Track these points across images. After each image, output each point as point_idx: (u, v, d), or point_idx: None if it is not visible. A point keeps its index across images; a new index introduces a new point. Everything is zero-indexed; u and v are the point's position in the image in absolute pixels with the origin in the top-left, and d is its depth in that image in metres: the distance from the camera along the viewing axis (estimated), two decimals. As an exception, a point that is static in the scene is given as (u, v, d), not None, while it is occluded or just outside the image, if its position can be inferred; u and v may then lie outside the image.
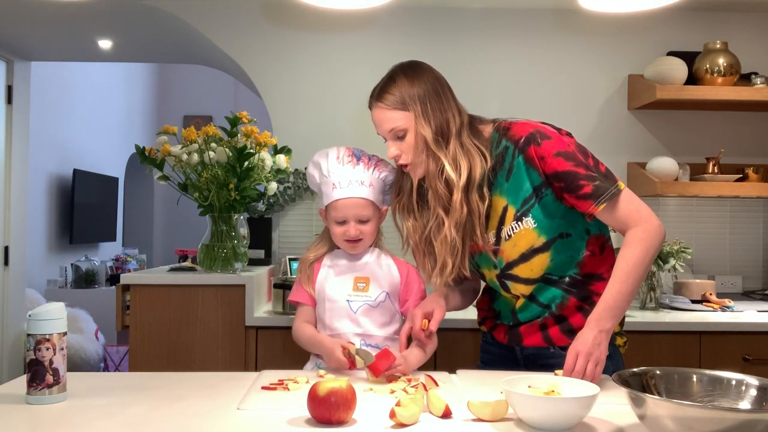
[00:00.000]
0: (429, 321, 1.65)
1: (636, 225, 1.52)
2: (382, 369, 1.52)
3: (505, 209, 1.59)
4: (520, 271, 1.61)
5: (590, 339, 1.46)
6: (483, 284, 1.83)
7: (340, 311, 1.71)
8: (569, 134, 1.60)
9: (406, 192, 1.70)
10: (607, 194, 1.51)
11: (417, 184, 1.66)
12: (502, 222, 1.60)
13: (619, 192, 1.52)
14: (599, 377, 1.46)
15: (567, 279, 1.61)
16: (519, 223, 1.57)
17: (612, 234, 1.70)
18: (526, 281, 1.61)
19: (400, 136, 1.60)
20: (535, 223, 1.56)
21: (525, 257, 1.59)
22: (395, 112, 1.59)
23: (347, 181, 1.70)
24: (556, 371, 1.47)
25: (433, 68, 1.66)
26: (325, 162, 1.74)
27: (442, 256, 1.60)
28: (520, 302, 1.65)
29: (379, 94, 1.62)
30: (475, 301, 1.85)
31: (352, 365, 1.57)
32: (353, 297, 1.71)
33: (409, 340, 1.75)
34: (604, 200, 1.50)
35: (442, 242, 1.59)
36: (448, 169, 1.56)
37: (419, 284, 1.78)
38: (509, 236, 1.59)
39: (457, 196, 1.56)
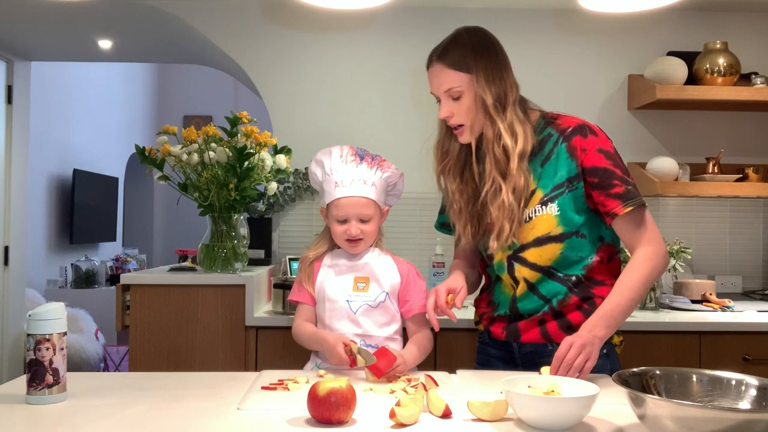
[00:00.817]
0: (453, 296, 1.64)
1: (648, 244, 1.57)
2: (384, 370, 1.52)
3: (533, 192, 1.63)
4: (530, 254, 1.63)
5: (585, 335, 1.48)
6: (482, 282, 1.83)
7: (339, 311, 1.71)
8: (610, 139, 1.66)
9: (453, 155, 1.70)
10: (635, 200, 1.56)
11: (466, 148, 1.68)
12: (526, 204, 1.62)
13: (644, 206, 1.59)
14: (586, 374, 1.46)
15: (573, 278, 1.63)
16: (543, 207, 1.60)
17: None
18: (532, 266, 1.63)
19: (455, 97, 1.61)
20: (558, 211, 1.60)
21: (539, 242, 1.61)
22: (455, 73, 1.60)
23: (350, 179, 1.71)
24: (542, 368, 1.48)
25: (496, 37, 1.67)
26: (328, 160, 1.75)
27: (500, 221, 1.60)
28: (520, 289, 1.65)
29: (441, 54, 1.62)
30: (473, 300, 1.85)
31: (353, 363, 1.57)
32: (353, 297, 1.71)
33: (407, 339, 1.76)
34: (632, 204, 1.56)
35: (499, 207, 1.60)
36: (505, 135, 1.59)
37: (420, 284, 1.78)
38: (530, 218, 1.62)
39: (515, 162, 1.59)
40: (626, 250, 1.65)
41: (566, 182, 1.60)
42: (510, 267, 1.66)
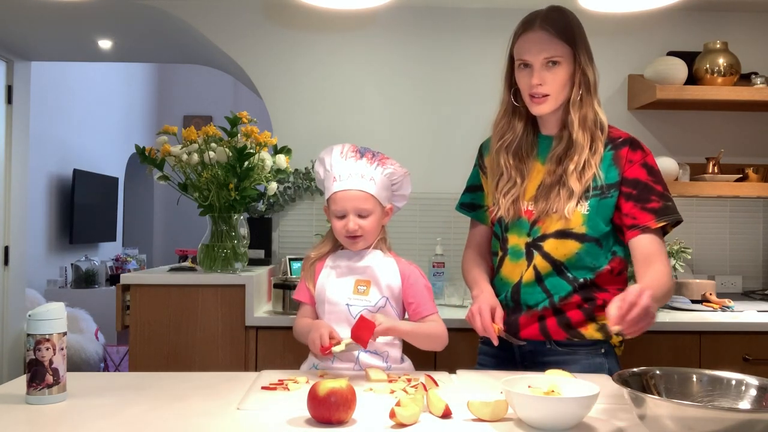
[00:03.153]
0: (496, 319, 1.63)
1: (666, 265, 1.60)
2: (367, 338, 1.52)
3: None
4: (548, 244, 1.65)
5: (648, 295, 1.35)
6: None
7: (338, 315, 1.69)
8: None
9: (516, 132, 1.71)
10: (670, 216, 1.60)
11: (528, 128, 1.71)
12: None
13: (676, 224, 1.63)
14: (641, 332, 1.37)
15: (581, 280, 1.64)
16: (584, 200, 1.63)
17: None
18: (546, 256, 1.65)
19: (554, 62, 1.62)
20: (587, 211, 1.62)
21: (560, 234, 1.63)
22: (560, 43, 1.62)
23: (348, 174, 1.69)
24: (548, 371, 1.43)
25: None
26: (329, 157, 1.74)
27: (579, 194, 1.62)
28: (527, 276, 1.66)
29: (547, 20, 1.64)
30: None
31: (324, 350, 1.55)
32: (353, 300, 1.69)
33: (407, 344, 1.75)
34: (666, 219, 1.60)
35: (587, 182, 1.62)
36: (600, 113, 1.65)
37: (424, 283, 1.76)
38: (558, 210, 1.64)
39: (601, 140, 1.64)
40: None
41: (602, 187, 1.62)
42: (528, 253, 1.67)
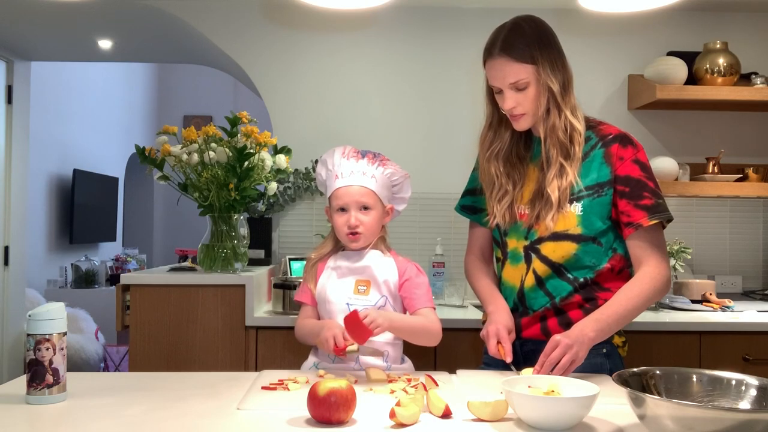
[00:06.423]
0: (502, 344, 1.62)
1: (657, 266, 1.59)
2: (366, 335, 1.53)
3: None
4: (545, 248, 1.65)
5: (573, 335, 1.49)
6: None
7: (339, 315, 1.69)
8: None
9: (503, 141, 1.72)
10: (663, 214, 1.59)
11: (516, 135, 1.71)
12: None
13: (668, 222, 1.62)
14: (569, 374, 1.46)
15: (581, 280, 1.64)
16: (569, 205, 1.62)
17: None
18: (544, 259, 1.65)
19: (521, 88, 1.62)
20: (581, 212, 1.62)
21: (556, 237, 1.63)
22: (521, 65, 1.61)
23: (349, 171, 1.72)
24: (524, 370, 1.49)
25: (549, 26, 1.68)
26: (331, 159, 1.77)
27: (558, 202, 1.61)
28: (529, 281, 1.67)
29: (504, 46, 1.62)
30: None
31: (339, 351, 1.55)
32: (353, 300, 1.70)
33: (407, 343, 1.75)
34: (658, 218, 1.58)
35: (563, 188, 1.61)
36: (573, 120, 1.62)
37: (422, 279, 1.76)
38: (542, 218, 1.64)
39: (579, 146, 1.62)
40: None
41: (596, 186, 1.62)
42: (527, 257, 1.68)
